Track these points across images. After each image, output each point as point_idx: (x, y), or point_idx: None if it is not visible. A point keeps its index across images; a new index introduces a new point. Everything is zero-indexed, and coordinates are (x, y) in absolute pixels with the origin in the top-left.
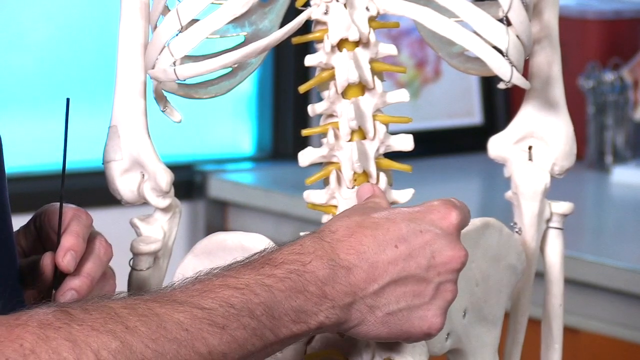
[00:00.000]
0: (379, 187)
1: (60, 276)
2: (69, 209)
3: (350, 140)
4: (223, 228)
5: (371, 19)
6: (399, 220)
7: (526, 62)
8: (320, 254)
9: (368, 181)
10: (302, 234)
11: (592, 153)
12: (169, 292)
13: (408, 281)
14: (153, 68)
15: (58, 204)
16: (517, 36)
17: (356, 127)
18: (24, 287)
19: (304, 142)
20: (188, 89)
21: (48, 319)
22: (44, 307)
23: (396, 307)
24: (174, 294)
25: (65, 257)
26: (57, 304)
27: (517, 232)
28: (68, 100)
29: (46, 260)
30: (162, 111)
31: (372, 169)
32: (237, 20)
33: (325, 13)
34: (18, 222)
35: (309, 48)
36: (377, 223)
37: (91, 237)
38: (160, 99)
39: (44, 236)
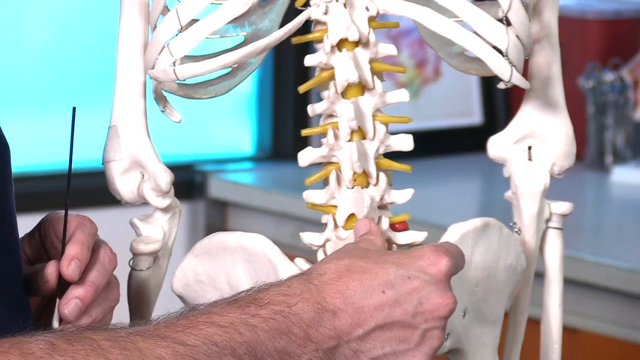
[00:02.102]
0: (375, 224)
1: (64, 285)
2: (74, 217)
3: (350, 140)
4: (223, 228)
5: (371, 19)
6: (387, 265)
7: (526, 62)
8: (306, 296)
9: (368, 181)
10: (301, 234)
11: (592, 153)
12: (153, 326)
13: (394, 327)
14: (153, 68)
15: (63, 212)
16: (517, 36)
17: (356, 127)
18: (28, 295)
19: (304, 142)
20: (188, 89)
21: (30, 348)
22: (27, 336)
23: (381, 352)
24: (158, 328)
25: (70, 265)
26: (42, 333)
27: (516, 232)
28: (74, 109)
29: (50, 268)
30: (162, 111)
31: (372, 169)
32: (237, 20)
33: (325, 13)
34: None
35: (309, 48)
36: (365, 267)
37: (96, 246)
38: (160, 99)
39: (49, 244)
